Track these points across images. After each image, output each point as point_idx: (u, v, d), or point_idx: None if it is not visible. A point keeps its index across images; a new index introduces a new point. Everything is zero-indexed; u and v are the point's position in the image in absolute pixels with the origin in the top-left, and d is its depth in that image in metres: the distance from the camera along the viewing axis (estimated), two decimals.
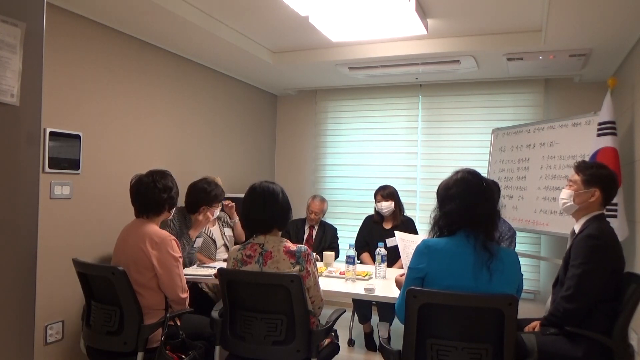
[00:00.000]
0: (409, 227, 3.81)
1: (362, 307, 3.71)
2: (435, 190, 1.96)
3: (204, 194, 3.15)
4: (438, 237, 1.89)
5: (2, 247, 1.23)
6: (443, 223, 1.88)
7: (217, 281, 2.31)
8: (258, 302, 2.14)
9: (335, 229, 4.17)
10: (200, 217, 3.10)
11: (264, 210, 2.18)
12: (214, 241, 3.51)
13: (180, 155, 3.88)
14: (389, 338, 2.05)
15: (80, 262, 2.33)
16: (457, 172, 1.92)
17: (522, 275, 1.93)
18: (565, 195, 2.29)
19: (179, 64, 3.84)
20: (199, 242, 3.27)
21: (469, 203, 1.82)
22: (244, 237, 3.52)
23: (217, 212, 3.48)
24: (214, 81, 4.31)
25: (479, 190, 1.85)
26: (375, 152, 4.98)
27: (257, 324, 2.10)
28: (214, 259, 3.43)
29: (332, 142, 5.21)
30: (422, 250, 1.86)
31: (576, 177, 2.27)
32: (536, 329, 2.18)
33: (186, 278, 2.43)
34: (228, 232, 3.67)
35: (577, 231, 2.23)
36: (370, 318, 3.77)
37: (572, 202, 2.25)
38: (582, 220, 2.23)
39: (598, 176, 2.21)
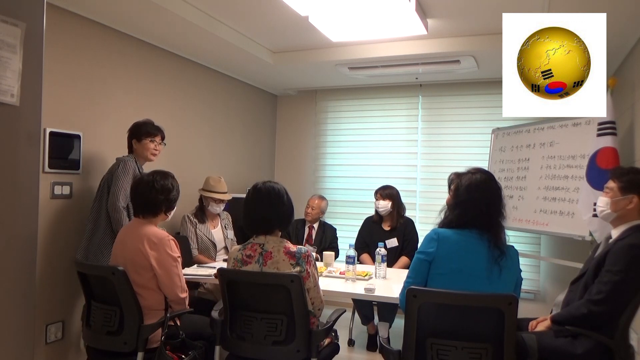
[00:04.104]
0: (408, 228, 3.81)
1: (363, 308, 3.70)
2: (448, 184, 2.04)
3: (136, 126, 2.96)
4: (447, 228, 1.97)
5: (2, 247, 1.23)
6: (455, 219, 1.95)
7: (217, 281, 2.31)
8: (258, 302, 2.14)
9: (335, 229, 4.17)
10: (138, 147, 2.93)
11: (269, 211, 2.17)
12: (214, 244, 3.50)
13: (180, 155, 3.88)
14: (387, 338, 2.06)
15: (80, 262, 2.33)
16: (474, 173, 1.99)
17: (521, 270, 2.00)
18: (602, 203, 2.23)
19: (179, 64, 3.84)
20: None
21: (486, 207, 1.91)
22: None
23: (218, 208, 3.52)
24: (214, 81, 4.31)
25: (496, 197, 1.95)
26: (375, 152, 4.98)
27: (257, 324, 2.10)
28: (214, 260, 3.44)
29: (332, 142, 5.21)
30: (432, 236, 1.95)
31: (612, 184, 2.21)
32: (544, 326, 2.17)
33: (186, 278, 2.43)
34: (230, 234, 3.68)
35: (614, 238, 2.17)
36: (373, 318, 3.76)
37: (610, 210, 2.18)
38: (622, 228, 2.16)
39: (635, 182, 2.15)
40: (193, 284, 3.15)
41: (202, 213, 3.51)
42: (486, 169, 4.24)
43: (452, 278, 1.86)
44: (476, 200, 1.92)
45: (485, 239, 1.88)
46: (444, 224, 1.99)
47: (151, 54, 3.53)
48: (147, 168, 2.86)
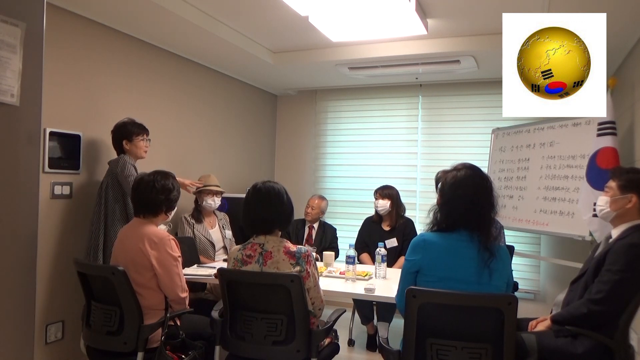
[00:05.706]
0: (408, 228, 3.81)
1: (363, 308, 3.70)
2: (435, 183, 1.98)
3: (124, 127, 2.97)
4: (436, 232, 1.93)
5: (2, 246, 1.23)
6: (443, 219, 1.91)
7: (217, 281, 2.31)
8: (258, 302, 2.14)
9: (335, 229, 4.17)
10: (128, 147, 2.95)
11: (269, 211, 2.17)
12: (213, 244, 3.51)
13: (181, 155, 3.88)
14: (387, 338, 2.06)
15: (80, 262, 2.33)
16: (459, 169, 1.93)
17: (512, 270, 1.97)
18: (602, 202, 2.23)
19: (179, 64, 3.84)
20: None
21: (473, 204, 1.85)
22: None
23: (213, 202, 3.49)
24: (214, 81, 4.31)
25: (483, 191, 1.88)
26: (375, 152, 4.98)
27: (257, 324, 2.10)
28: (213, 260, 3.45)
29: (332, 142, 5.21)
30: (418, 244, 1.92)
31: (612, 183, 2.21)
32: (544, 326, 2.17)
33: (186, 278, 2.43)
34: (229, 234, 3.68)
35: (614, 237, 2.16)
36: (373, 318, 3.76)
37: (609, 209, 2.18)
38: (622, 228, 2.16)
39: (635, 181, 2.14)
40: (199, 286, 3.16)
41: (198, 213, 3.55)
42: (486, 169, 4.28)
43: (439, 286, 1.82)
44: (461, 198, 1.86)
45: (476, 240, 1.83)
46: (433, 226, 1.95)
47: (151, 54, 3.53)
48: (141, 166, 2.86)
